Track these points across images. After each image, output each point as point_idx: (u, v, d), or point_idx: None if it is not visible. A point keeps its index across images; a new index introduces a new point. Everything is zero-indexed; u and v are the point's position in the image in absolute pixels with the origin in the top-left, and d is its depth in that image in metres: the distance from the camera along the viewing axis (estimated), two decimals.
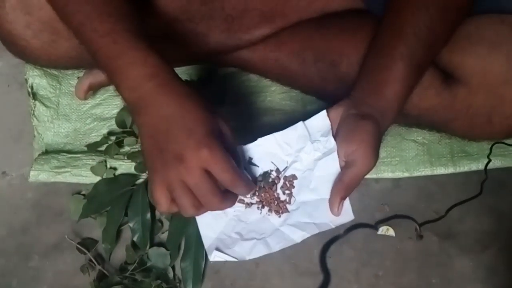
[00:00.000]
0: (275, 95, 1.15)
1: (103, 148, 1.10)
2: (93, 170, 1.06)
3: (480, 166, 1.06)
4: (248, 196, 0.87)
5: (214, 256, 0.84)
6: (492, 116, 0.95)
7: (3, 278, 1.02)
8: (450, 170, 1.07)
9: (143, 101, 0.76)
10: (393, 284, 0.99)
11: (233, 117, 1.12)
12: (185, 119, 0.74)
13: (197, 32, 1.04)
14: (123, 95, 0.78)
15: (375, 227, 1.03)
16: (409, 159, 1.08)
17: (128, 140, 1.10)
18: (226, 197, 0.78)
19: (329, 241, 1.02)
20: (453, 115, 0.96)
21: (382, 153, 1.06)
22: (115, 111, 1.14)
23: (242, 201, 0.87)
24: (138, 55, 0.76)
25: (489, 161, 1.06)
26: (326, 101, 1.07)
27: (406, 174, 1.07)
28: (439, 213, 1.04)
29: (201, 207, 0.76)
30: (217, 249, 0.84)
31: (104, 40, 0.77)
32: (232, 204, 0.81)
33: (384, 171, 1.07)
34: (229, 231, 0.86)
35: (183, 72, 1.16)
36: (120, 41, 0.77)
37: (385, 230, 1.03)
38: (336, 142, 0.84)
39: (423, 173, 1.07)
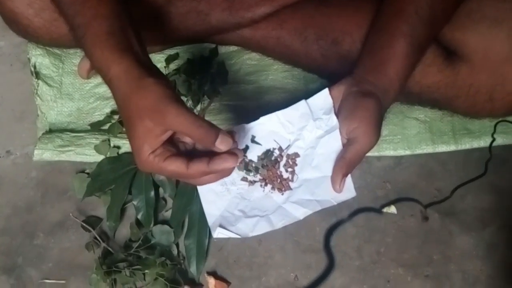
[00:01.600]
0: (277, 73, 1.15)
1: (106, 127, 1.10)
2: (97, 148, 1.07)
3: (482, 143, 1.06)
4: (251, 174, 0.87)
5: (218, 233, 0.85)
6: (494, 94, 0.95)
7: (8, 256, 1.03)
8: (452, 147, 1.07)
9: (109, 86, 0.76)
10: (394, 261, 1.00)
11: (235, 96, 1.12)
12: (128, 123, 0.73)
13: (199, 10, 1.04)
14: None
15: (380, 210, 1.04)
16: (411, 136, 1.08)
17: None
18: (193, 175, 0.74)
19: (333, 225, 1.03)
20: (455, 93, 0.96)
21: (384, 131, 1.07)
22: None
23: (245, 179, 0.88)
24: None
25: (493, 140, 1.05)
26: (328, 79, 1.08)
27: (407, 152, 1.08)
28: (440, 191, 1.05)
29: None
30: (221, 226, 0.85)
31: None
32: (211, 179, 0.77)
33: (386, 149, 1.07)
34: (232, 208, 0.87)
35: (185, 51, 1.16)
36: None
37: (387, 208, 1.03)
38: (338, 120, 0.85)
39: (424, 151, 1.08)
